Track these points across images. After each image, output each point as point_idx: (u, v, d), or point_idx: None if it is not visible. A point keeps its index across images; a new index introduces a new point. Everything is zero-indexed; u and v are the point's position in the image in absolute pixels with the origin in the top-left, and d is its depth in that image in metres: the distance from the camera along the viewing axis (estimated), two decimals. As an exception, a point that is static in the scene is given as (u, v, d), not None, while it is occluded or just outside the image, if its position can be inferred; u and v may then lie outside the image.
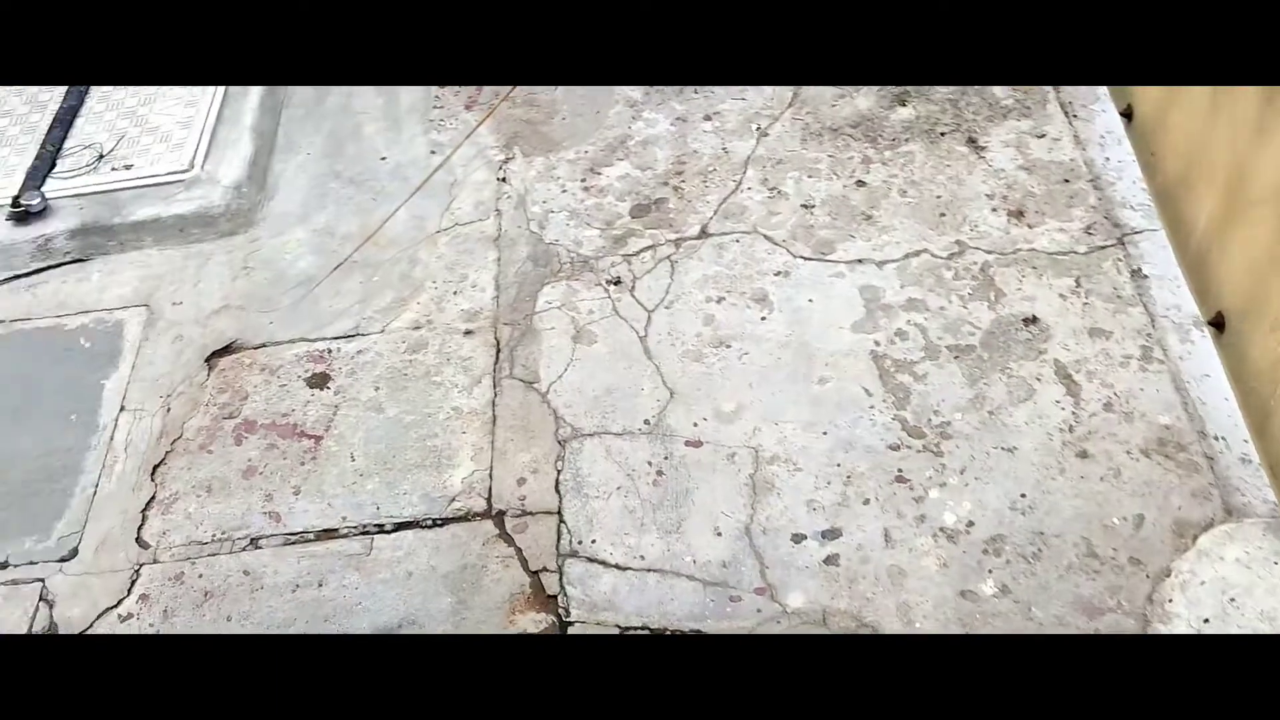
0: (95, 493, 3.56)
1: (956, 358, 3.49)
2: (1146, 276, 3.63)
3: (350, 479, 3.49)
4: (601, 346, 3.70)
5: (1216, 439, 3.22)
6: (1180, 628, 2.86)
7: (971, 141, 4.13)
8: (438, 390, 3.67)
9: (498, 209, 4.20)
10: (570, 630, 3.05)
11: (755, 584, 3.07)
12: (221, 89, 4.60)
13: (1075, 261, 3.70)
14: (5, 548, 3.47)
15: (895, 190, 4.01)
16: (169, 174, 4.30)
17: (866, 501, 3.20)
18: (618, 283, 3.88)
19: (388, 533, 3.35)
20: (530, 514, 3.32)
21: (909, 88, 4.33)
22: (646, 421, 3.47)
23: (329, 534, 3.37)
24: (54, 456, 3.68)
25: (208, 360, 3.88)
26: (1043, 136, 4.11)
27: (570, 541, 3.23)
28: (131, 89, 4.65)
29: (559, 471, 3.40)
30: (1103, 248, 3.73)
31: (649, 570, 3.14)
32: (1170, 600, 2.92)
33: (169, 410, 3.75)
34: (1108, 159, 4.00)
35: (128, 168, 4.36)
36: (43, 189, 4.29)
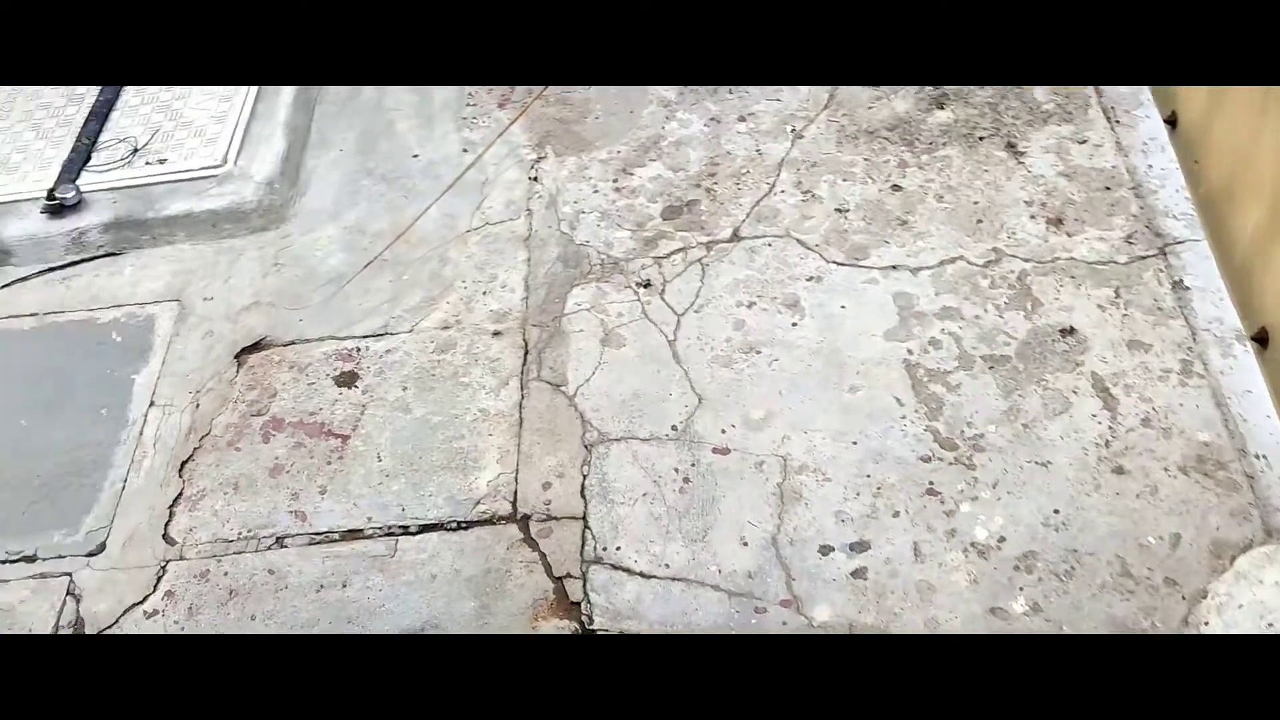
0: (124, 488, 3.58)
1: (991, 368, 3.43)
2: (1188, 288, 3.55)
3: (376, 479, 3.48)
4: (630, 350, 3.67)
5: (1257, 457, 3.15)
6: (1216, 652, 2.79)
7: (1010, 146, 4.05)
8: (465, 391, 3.65)
9: (529, 208, 4.17)
10: (593, 639, 3.03)
11: (781, 596, 3.03)
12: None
13: (1115, 271, 3.62)
14: (34, 541, 3.49)
15: (931, 195, 3.95)
16: (202, 169, 4.31)
17: (896, 514, 3.15)
18: (648, 285, 3.84)
19: (412, 534, 3.34)
20: (555, 519, 3.30)
21: (948, 91, 4.27)
22: (674, 427, 3.44)
23: (354, 534, 3.37)
24: (84, 450, 3.70)
25: (237, 357, 3.88)
26: (1084, 142, 4.02)
27: (595, 548, 3.21)
28: (167, 83, 4.67)
29: (585, 476, 3.38)
30: (1143, 258, 3.65)
31: (674, 579, 3.11)
32: (1206, 623, 2.85)
33: (198, 406, 3.76)
34: (1150, 166, 3.91)
35: (161, 162, 4.37)
36: (77, 182, 4.31)
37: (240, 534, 3.41)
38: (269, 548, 3.37)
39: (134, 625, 3.25)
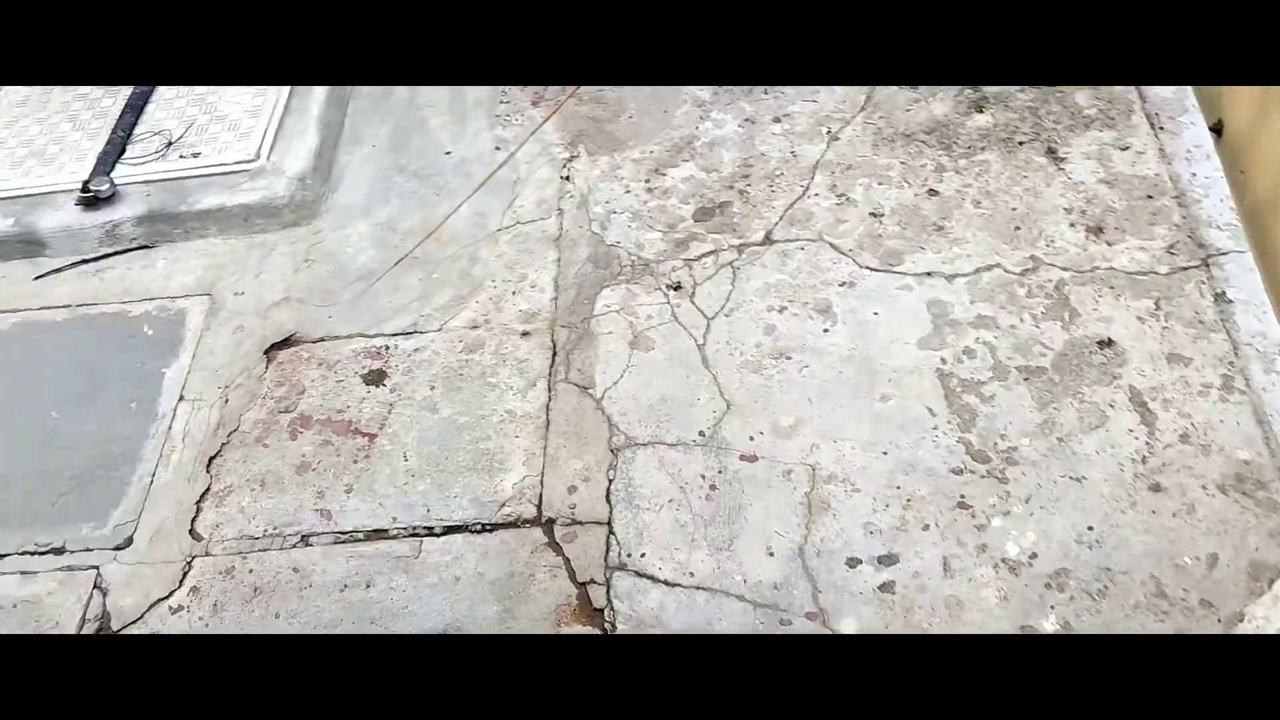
0: (152, 482, 3.59)
1: (1026, 379, 3.37)
2: (1231, 301, 3.47)
3: (402, 479, 3.47)
4: (659, 353, 3.64)
5: (1300, 477, 3.07)
6: (1253, 677, 2.72)
7: (1051, 152, 3.98)
8: (492, 392, 3.63)
9: (560, 208, 4.15)
10: (615, 647, 3.00)
11: (807, 608, 3.00)
12: (290, 78, 4.61)
13: (1155, 282, 3.55)
14: (63, 533, 3.51)
15: (969, 201, 3.88)
16: (235, 163, 4.32)
17: (926, 527, 3.10)
18: (678, 288, 3.81)
19: (437, 536, 3.33)
20: (580, 523, 3.28)
21: (987, 94, 4.19)
22: (701, 433, 3.41)
23: (379, 534, 3.36)
24: (114, 444, 3.71)
25: (267, 352, 3.89)
26: (1126, 149, 3.94)
27: (619, 554, 3.18)
28: (203, 76, 4.68)
29: (610, 481, 3.35)
30: (1185, 269, 3.57)
31: (698, 588, 3.08)
32: (1243, 647, 2.78)
33: (227, 402, 3.77)
34: (1194, 175, 3.83)
35: (195, 155, 4.38)
36: (112, 175, 4.33)
37: (266, 531, 3.42)
38: (294, 546, 3.37)
39: (159, 621, 3.26)
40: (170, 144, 4.44)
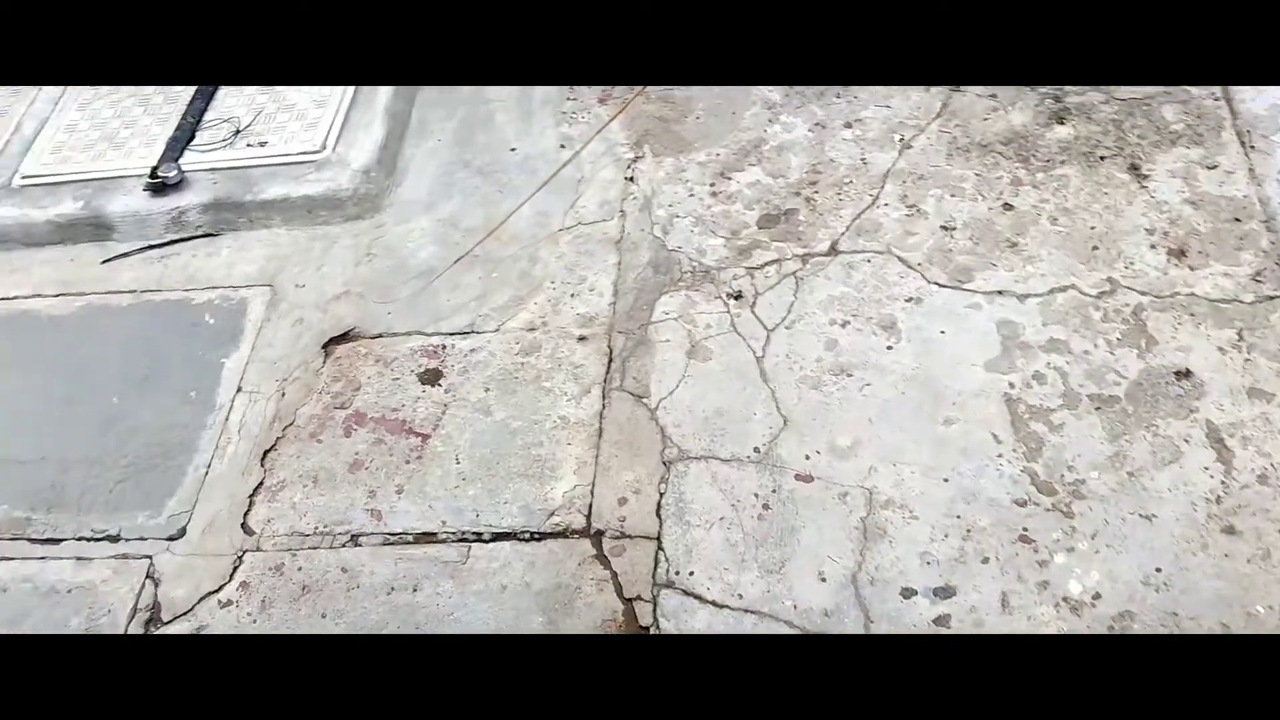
0: (207, 473, 3.61)
1: (1098, 409, 3.24)
2: (1320, 334, 3.31)
3: (453, 482, 3.45)
4: (716, 364, 3.57)
5: (1386, 526, 2.92)
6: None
7: (1134, 168, 3.82)
8: (547, 397, 3.59)
9: (622, 210, 4.08)
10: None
11: (857, 638, 2.92)
12: (358, 68, 4.60)
13: (1239, 311, 3.39)
14: (119, 520, 3.55)
15: (1045, 217, 3.74)
16: (301, 154, 4.32)
17: (985, 560, 3.00)
18: (738, 297, 3.73)
19: (485, 542, 3.30)
20: (629, 536, 3.23)
21: (1069, 105, 4.03)
22: (756, 449, 3.33)
23: (427, 537, 3.34)
24: (172, 432, 3.74)
25: (325, 346, 3.89)
26: (1214, 168, 3.77)
27: (668, 571, 3.13)
28: (273, 64, 4.69)
29: (662, 494, 3.29)
30: (1272, 298, 3.40)
31: (746, 611, 3.01)
32: (1317, 706, 2.64)
33: (283, 395, 3.78)
34: (1287, 197, 3.65)
35: (262, 144, 4.39)
36: (180, 161, 4.36)
37: (316, 529, 3.42)
38: (343, 545, 3.37)
39: (208, 614, 3.28)
40: (238, 132, 4.46)
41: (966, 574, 2.98)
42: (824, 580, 3.03)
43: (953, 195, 3.87)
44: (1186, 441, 3.14)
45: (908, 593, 2.97)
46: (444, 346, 3.79)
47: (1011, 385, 3.34)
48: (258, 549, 3.40)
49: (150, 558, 3.44)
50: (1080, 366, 3.34)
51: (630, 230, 4.01)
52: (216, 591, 3.33)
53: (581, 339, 3.72)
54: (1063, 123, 4.02)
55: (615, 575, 3.15)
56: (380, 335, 3.88)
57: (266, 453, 3.63)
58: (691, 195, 4.08)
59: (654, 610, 3.06)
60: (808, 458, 3.28)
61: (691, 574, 3.10)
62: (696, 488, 3.28)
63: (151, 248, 4.31)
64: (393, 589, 3.25)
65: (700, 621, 3.01)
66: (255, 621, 3.24)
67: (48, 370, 4.02)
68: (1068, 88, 4.10)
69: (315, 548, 3.38)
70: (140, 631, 3.28)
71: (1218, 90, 3.98)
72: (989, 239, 3.72)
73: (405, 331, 3.87)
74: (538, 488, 3.39)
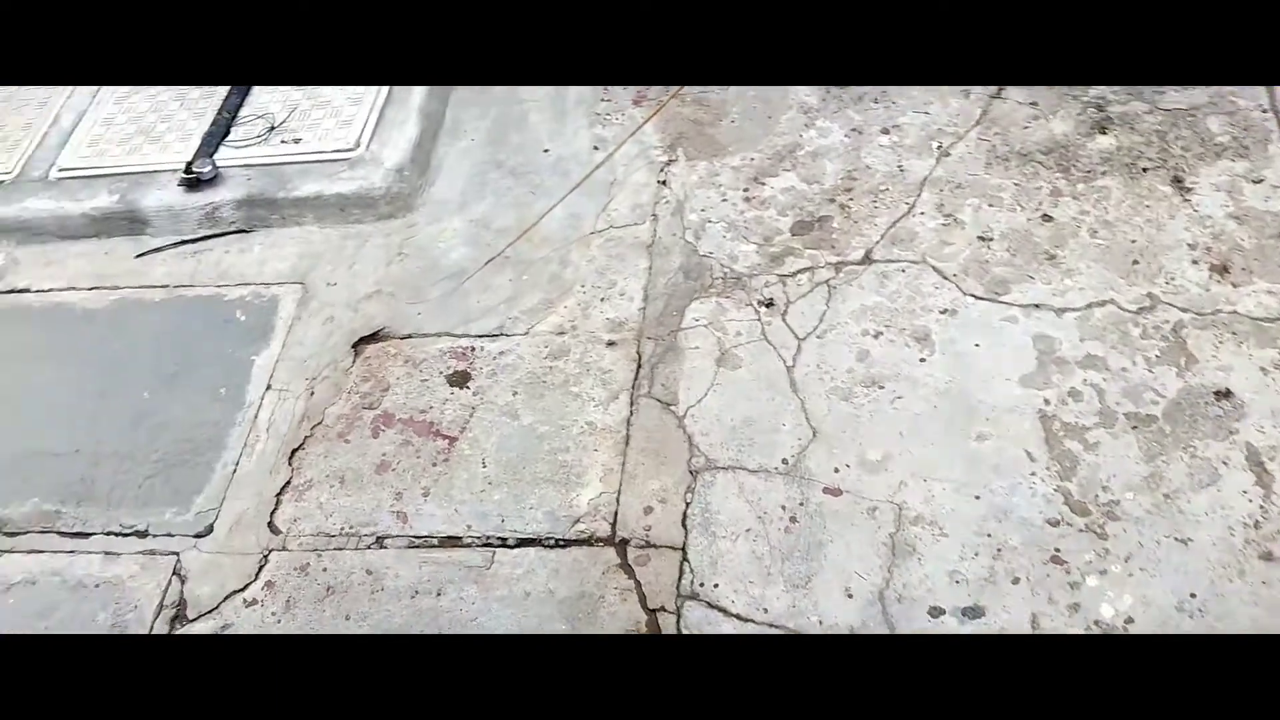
0: (235, 471, 3.62)
1: (1134, 428, 3.18)
2: (1367, 356, 3.22)
3: (479, 486, 3.44)
4: (745, 373, 3.53)
5: None
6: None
7: (1177, 181, 3.74)
8: (574, 402, 3.57)
9: (655, 214, 4.05)
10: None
11: (883, 657, 2.88)
12: (394, 66, 4.59)
13: (1284, 331, 3.32)
14: (147, 516, 3.57)
15: (1085, 229, 3.67)
16: (335, 151, 4.32)
17: (1016, 580, 2.95)
18: (770, 305, 3.69)
19: (510, 548, 3.29)
20: (654, 546, 3.20)
21: (1112, 114, 3.96)
22: (784, 461, 3.29)
23: (452, 541, 3.33)
24: (201, 429, 3.76)
25: (355, 346, 3.89)
26: (1260, 182, 3.68)
27: (692, 582, 3.10)
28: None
29: (688, 504, 3.26)
30: (1318, 318, 3.33)
31: (771, 626, 2.98)
32: (1356, 742, 2.58)
33: (312, 394, 3.78)
34: (1335, 214, 3.56)
35: (296, 141, 4.40)
36: (214, 157, 4.37)
37: (342, 529, 3.42)
38: (369, 547, 3.37)
39: (233, 613, 3.29)
40: (273, 128, 4.47)
41: (996, 594, 2.93)
42: (850, 597, 2.99)
43: (991, 205, 3.81)
44: (1225, 464, 3.07)
45: (935, 612, 2.92)
46: (473, 348, 3.78)
47: (1046, 402, 3.28)
48: (284, 548, 3.41)
49: (177, 554, 3.46)
50: (1117, 384, 3.28)
51: (662, 234, 3.98)
52: (242, 590, 3.34)
53: (610, 344, 3.70)
54: (1105, 133, 3.94)
55: (639, 585, 3.13)
56: (410, 336, 3.88)
57: (294, 451, 3.64)
58: (725, 200, 4.04)
59: (677, 622, 3.03)
60: (837, 471, 3.24)
61: (716, 586, 3.07)
62: (723, 498, 3.25)
63: (185, 243, 4.33)
64: (417, 592, 3.24)
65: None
66: (279, 621, 3.25)
67: (82, 363, 4.05)
68: (1110, 97, 4.02)
69: (341, 549, 3.38)
70: (166, 628, 3.30)
71: (1264, 101, 3.89)
72: (1027, 250, 3.66)
73: (435, 332, 3.86)
74: (563, 494, 3.37)
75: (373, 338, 3.91)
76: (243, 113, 4.56)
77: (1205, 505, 3.00)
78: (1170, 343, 3.34)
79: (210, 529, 3.50)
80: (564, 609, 3.12)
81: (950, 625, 2.89)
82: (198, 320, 4.08)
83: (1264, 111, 3.87)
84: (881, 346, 3.50)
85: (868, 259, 3.75)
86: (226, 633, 3.25)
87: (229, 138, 4.47)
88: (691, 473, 3.33)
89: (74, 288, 4.31)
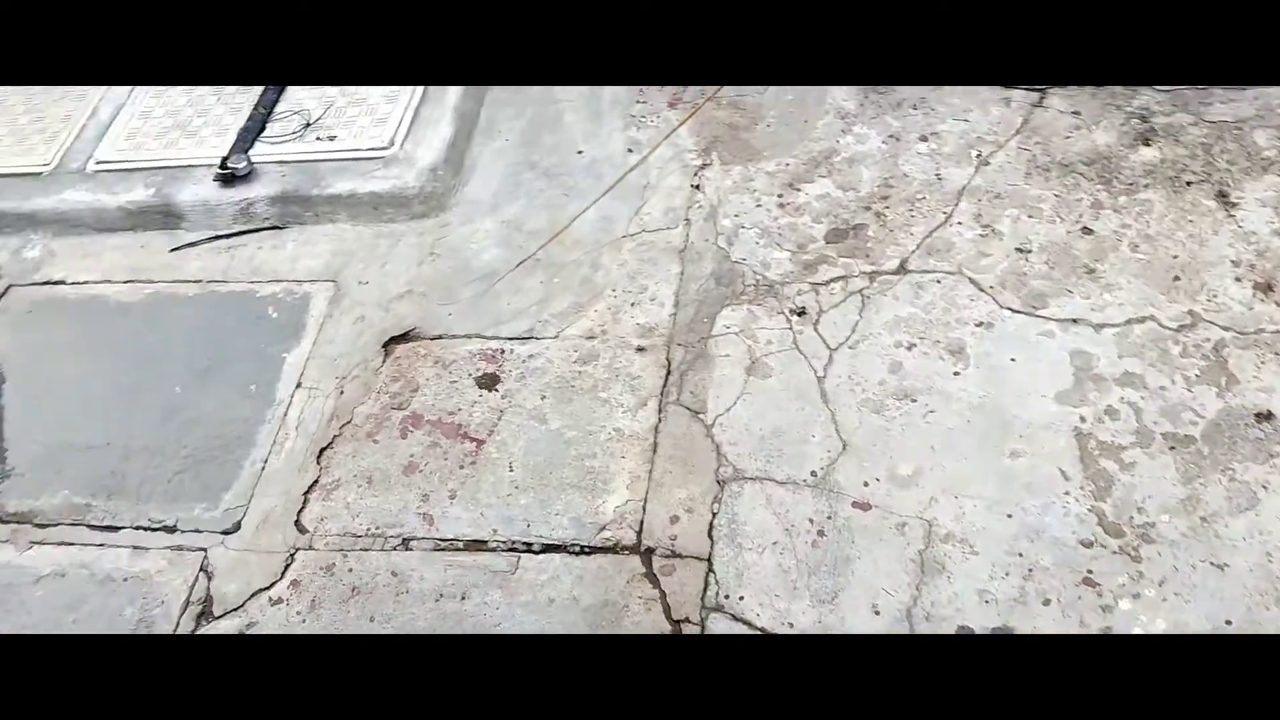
0: (263, 468, 3.63)
1: (1172, 449, 3.12)
2: None
3: (505, 490, 3.42)
4: (776, 382, 3.50)
5: None
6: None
7: (1222, 196, 3.66)
8: (603, 408, 3.55)
9: (687, 218, 4.02)
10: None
11: (909, 676, 2.84)
12: (430, 64, 4.59)
13: (1329, 352, 3.24)
14: (176, 511, 3.59)
15: (1126, 243, 3.61)
16: (369, 150, 4.32)
17: (1047, 602, 2.90)
18: (802, 313, 3.65)
19: (535, 553, 3.27)
20: (679, 556, 3.18)
21: (1156, 126, 3.88)
22: (813, 473, 3.26)
23: (478, 545, 3.33)
24: (231, 425, 3.77)
25: (385, 345, 3.89)
26: (1309, 198, 3.61)
27: (717, 594, 3.07)
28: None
29: (714, 514, 3.24)
30: (1365, 340, 3.25)
31: (796, 641, 2.95)
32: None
33: (342, 393, 3.78)
34: (1385, 232, 3.48)
35: (331, 138, 4.40)
36: (250, 153, 4.39)
37: (369, 530, 3.42)
38: (394, 548, 3.36)
39: (259, 611, 3.30)
40: (308, 125, 4.47)
41: (1026, 615, 2.88)
42: (878, 614, 2.95)
43: (1030, 216, 3.75)
44: (1265, 488, 3.00)
45: (964, 631, 2.88)
46: (502, 351, 3.77)
47: (1082, 419, 3.22)
48: (310, 547, 3.42)
49: (205, 550, 3.47)
50: (1155, 403, 3.22)
51: (694, 240, 3.95)
52: (268, 588, 3.35)
53: (640, 350, 3.67)
54: (1148, 144, 3.87)
55: (664, 595, 3.11)
56: (440, 337, 3.87)
57: (323, 450, 3.64)
58: (758, 206, 4.00)
59: (702, 634, 3.01)
60: (866, 485, 3.20)
61: (742, 599, 3.05)
62: (750, 509, 3.22)
63: (219, 238, 4.35)
64: (441, 595, 3.24)
65: (748, 648, 2.96)
66: (304, 621, 3.25)
67: (115, 356, 4.08)
68: (1154, 107, 3.95)
69: (367, 549, 3.38)
70: (192, 624, 3.31)
71: (1315, 115, 3.82)
72: (1066, 264, 3.60)
73: (465, 334, 3.85)
74: (590, 500, 3.35)
75: (403, 338, 3.90)
76: (279, 109, 4.57)
77: (1243, 530, 2.94)
78: (1211, 362, 3.27)
79: (238, 526, 3.51)
80: (588, 617, 3.10)
81: (978, 646, 2.85)
82: (230, 316, 4.10)
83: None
84: (915, 359, 3.46)
85: (903, 269, 3.70)
86: (251, 631, 3.26)
87: (264, 134, 4.48)
88: (719, 482, 3.30)
89: (109, 280, 4.34)
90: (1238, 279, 3.45)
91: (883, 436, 3.30)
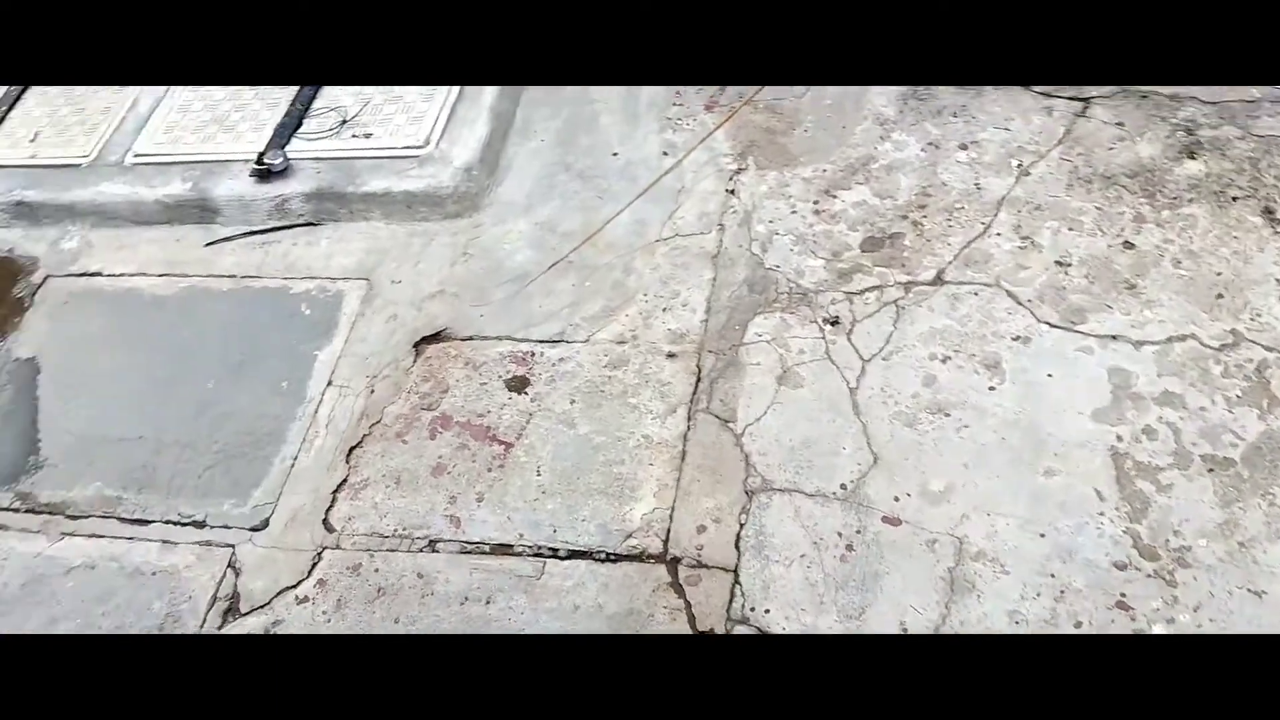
0: (293, 466, 3.65)
1: (1211, 471, 3.06)
2: None
3: (532, 494, 3.41)
4: (807, 392, 3.46)
5: None
6: None
7: (1268, 212, 3.58)
8: (632, 414, 3.53)
9: (721, 223, 3.99)
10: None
11: (936, 696, 2.80)
12: (467, 63, 4.58)
13: (1376, 376, 3.17)
14: (205, 506, 3.61)
15: (1168, 259, 3.54)
16: (405, 148, 4.32)
17: (1078, 624, 2.85)
18: (835, 323, 3.61)
19: (560, 559, 3.26)
20: (705, 566, 3.16)
21: (1203, 139, 3.80)
22: (843, 486, 3.23)
23: (504, 549, 3.32)
24: (262, 421, 3.79)
25: (416, 345, 3.89)
26: (1359, 216, 3.52)
27: (743, 606, 3.05)
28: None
29: (742, 525, 3.21)
30: None
31: (822, 656, 2.92)
32: None
33: (372, 392, 3.79)
34: None
35: (367, 136, 4.41)
36: (286, 148, 4.40)
37: (396, 531, 3.42)
38: (421, 550, 3.37)
39: (285, 609, 3.31)
40: (345, 121, 4.48)
41: (1057, 638, 2.84)
42: (905, 632, 2.91)
43: (1070, 229, 3.69)
44: (1306, 514, 2.94)
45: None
46: (533, 354, 3.76)
47: (1119, 438, 3.17)
48: (337, 547, 3.42)
49: (233, 547, 3.49)
50: (1195, 424, 3.16)
51: (728, 245, 3.92)
52: (294, 587, 3.36)
53: (670, 356, 3.65)
54: (1194, 157, 3.79)
55: (689, 606, 3.09)
56: (471, 338, 3.86)
57: (352, 449, 3.65)
58: (794, 212, 3.96)
59: (728, 634, 2.98)
60: (897, 499, 3.17)
61: (767, 612, 3.02)
62: (778, 521, 3.19)
63: (254, 233, 4.37)
64: (466, 599, 3.23)
65: (773, 663, 2.93)
66: (329, 621, 3.26)
67: (150, 349, 4.11)
68: (1201, 119, 3.87)
69: (393, 550, 3.38)
70: (219, 620, 3.33)
71: (1367, 130, 3.73)
72: (1106, 278, 3.53)
73: (496, 336, 3.85)
74: (616, 507, 3.33)
75: (434, 338, 3.90)
76: (316, 105, 4.58)
77: (1283, 557, 2.88)
78: (1253, 383, 3.20)
79: (266, 523, 3.53)
80: (612, 625, 3.09)
81: (1007, 668, 2.81)
82: (264, 312, 4.11)
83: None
84: (949, 372, 3.41)
85: (939, 280, 3.65)
86: (277, 629, 3.27)
87: (301, 130, 4.49)
88: (747, 493, 3.28)
89: (145, 273, 4.37)
90: (1283, 298, 3.37)
91: (915, 450, 3.26)
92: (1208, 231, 3.58)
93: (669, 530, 3.25)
